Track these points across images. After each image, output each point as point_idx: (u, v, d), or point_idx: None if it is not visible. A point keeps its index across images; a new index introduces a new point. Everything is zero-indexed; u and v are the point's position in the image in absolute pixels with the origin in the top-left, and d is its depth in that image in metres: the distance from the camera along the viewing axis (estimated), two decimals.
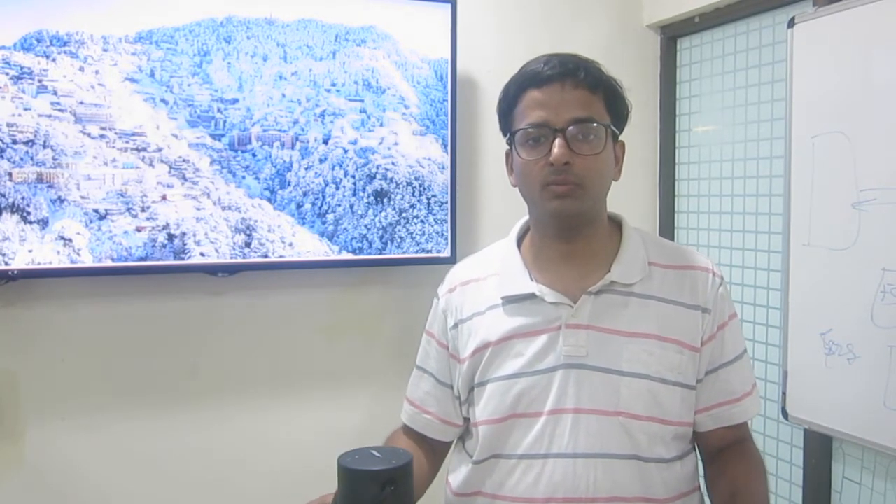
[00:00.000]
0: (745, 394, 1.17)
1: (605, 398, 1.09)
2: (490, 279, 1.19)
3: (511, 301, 1.15)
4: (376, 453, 0.92)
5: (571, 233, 1.14)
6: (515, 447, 1.12)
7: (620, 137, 1.16)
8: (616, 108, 1.13)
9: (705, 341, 1.14)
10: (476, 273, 1.22)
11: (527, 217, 1.22)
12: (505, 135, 1.17)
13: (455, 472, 1.23)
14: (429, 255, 2.12)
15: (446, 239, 2.14)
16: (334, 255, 2.04)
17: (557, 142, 1.06)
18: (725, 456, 1.16)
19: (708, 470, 1.19)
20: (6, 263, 1.75)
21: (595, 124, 1.09)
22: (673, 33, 2.43)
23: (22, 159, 1.76)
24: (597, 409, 1.09)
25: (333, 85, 2.03)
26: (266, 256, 1.97)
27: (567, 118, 1.07)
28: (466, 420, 1.23)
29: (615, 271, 1.13)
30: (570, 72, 1.09)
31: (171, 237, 1.88)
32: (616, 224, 1.21)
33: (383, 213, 2.08)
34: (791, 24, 1.84)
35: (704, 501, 1.22)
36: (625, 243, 1.16)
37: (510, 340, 1.13)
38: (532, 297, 1.13)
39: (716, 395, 1.16)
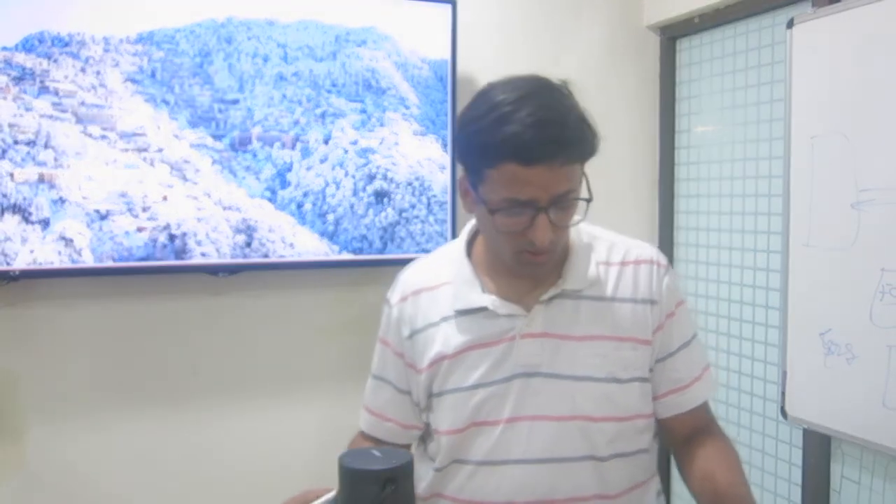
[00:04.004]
0: (695, 379, 1.18)
1: (560, 404, 1.11)
2: (442, 288, 1.18)
3: (464, 314, 1.14)
4: (376, 453, 0.93)
5: None
6: (475, 453, 1.13)
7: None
8: (592, 155, 1.08)
9: (655, 331, 1.15)
10: (428, 281, 1.20)
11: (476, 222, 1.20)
12: (466, 166, 1.09)
13: (419, 479, 1.22)
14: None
15: (446, 239, 2.14)
16: (334, 255, 2.05)
17: (542, 223, 1.02)
18: (694, 446, 1.17)
19: (679, 460, 1.19)
20: (8, 264, 1.76)
21: (576, 196, 1.05)
22: (673, 34, 2.43)
23: (23, 160, 1.76)
24: (553, 416, 1.11)
25: (334, 85, 2.03)
26: (266, 256, 1.98)
27: (552, 195, 1.02)
28: (427, 424, 1.23)
29: (567, 279, 1.13)
30: (559, 150, 1.00)
31: (171, 237, 1.89)
32: None
33: (383, 213, 2.09)
34: (790, 24, 1.85)
35: (660, 485, 1.23)
36: (574, 248, 1.16)
37: (466, 353, 1.13)
38: (485, 310, 1.13)
39: (665, 384, 1.17)
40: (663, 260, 1.19)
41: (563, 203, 1.03)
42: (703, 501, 1.11)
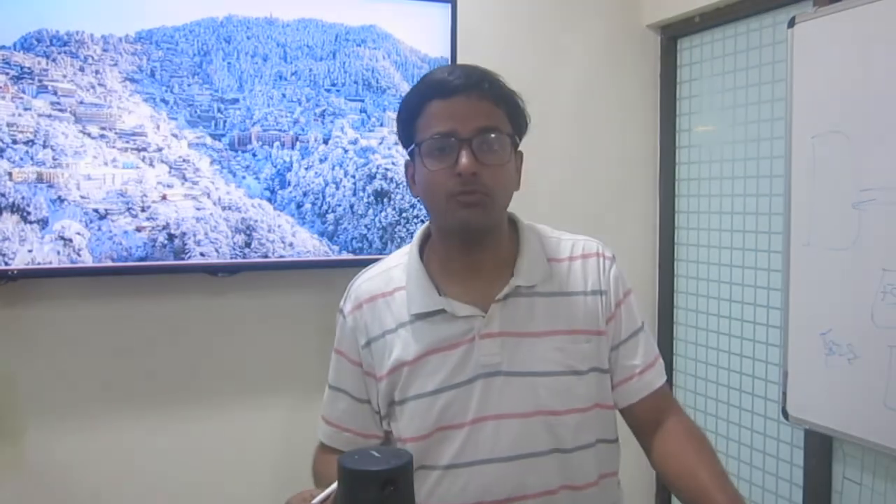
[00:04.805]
0: (647, 366, 1.20)
1: (523, 401, 1.12)
2: (396, 294, 1.19)
3: (422, 318, 1.15)
4: (376, 453, 0.92)
5: (476, 244, 1.15)
6: (442, 458, 1.14)
7: (519, 148, 1.18)
8: (517, 120, 1.14)
9: (608, 321, 1.18)
10: (381, 287, 1.21)
11: (427, 224, 1.22)
12: (406, 146, 1.16)
13: None
14: None
15: None
16: (334, 255, 2.04)
17: (465, 152, 1.06)
18: (660, 437, 1.18)
19: (649, 453, 1.20)
20: (6, 263, 1.75)
21: (500, 134, 1.10)
22: (673, 33, 2.43)
23: (22, 159, 1.76)
24: (517, 413, 1.12)
25: (333, 85, 2.03)
26: (266, 256, 1.97)
27: (473, 128, 1.07)
28: (387, 432, 1.23)
29: (518, 276, 1.15)
30: (475, 83, 1.08)
31: (171, 237, 1.88)
32: (513, 225, 1.22)
33: (383, 213, 2.08)
34: (791, 24, 1.84)
35: (621, 485, 1.25)
36: (523, 246, 1.18)
37: (426, 357, 1.14)
38: (442, 312, 1.14)
39: (619, 372, 1.20)
40: (608, 252, 1.23)
41: (486, 139, 1.08)
42: (686, 496, 1.11)
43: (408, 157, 1.17)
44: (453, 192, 1.08)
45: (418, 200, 1.18)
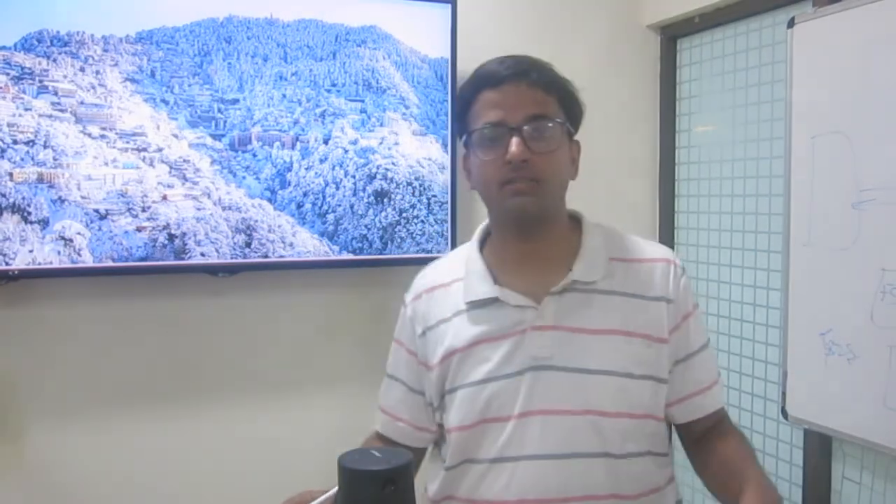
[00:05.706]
0: (714, 382, 1.19)
1: (573, 398, 1.10)
2: (455, 284, 1.19)
3: (476, 306, 1.15)
4: (376, 453, 0.92)
5: (532, 233, 1.14)
6: (487, 452, 1.12)
7: (575, 137, 1.18)
8: (570, 108, 1.15)
9: (672, 331, 1.14)
10: (442, 278, 1.22)
11: (488, 220, 1.23)
12: (461, 137, 1.17)
13: (432, 480, 1.22)
14: (429, 255, 2.12)
15: (446, 239, 2.14)
16: (334, 255, 2.05)
17: (514, 140, 1.07)
18: (707, 437, 1.17)
19: (693, 453, 1.19)
20: (7, 263, 1.76)
21: (550, 122, 1.10)
22: (673, 33, 2.43)
23: (23, 160, 1.76)
24: (565, 410, 1.09)
25: (334, 85, 2.03)
26: (266, 256, 1.98)
27: (523, 116, 1.08)
28: (440, 426, 1.22)
29: (577, 270, 1.13)
30: (524, 72, 1.10)
31: (171, 237, 1.88)
32: (576, 222, 1.21)
33: (383, 214, 2.09)
34: (791, 24, 1.84)
35: (679, 496, 1.22)
36: (585, 241, 1.16)
37: (477, 346, 1.13)
38: (496, 301, 1.13)
39: (686, 386, 1.16)
40: (679, 261, 1.19)
41: (536, 126, 1.08)
42: (717, 484, 1.11)
43: (464, 151, 1.17)
44: (504, 179, 1.08)
45: (475, 192, 1.19)
